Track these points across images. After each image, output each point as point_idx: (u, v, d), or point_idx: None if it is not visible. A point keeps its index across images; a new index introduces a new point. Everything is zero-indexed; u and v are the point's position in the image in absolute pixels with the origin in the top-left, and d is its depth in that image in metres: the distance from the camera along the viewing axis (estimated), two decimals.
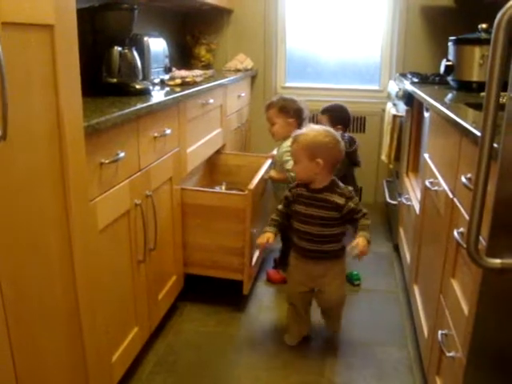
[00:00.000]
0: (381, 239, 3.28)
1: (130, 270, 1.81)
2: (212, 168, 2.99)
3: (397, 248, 3.01)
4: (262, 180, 2.52)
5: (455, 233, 1.37)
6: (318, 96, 3.87)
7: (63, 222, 1.29)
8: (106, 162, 1.54)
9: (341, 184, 2.03)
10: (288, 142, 2.48)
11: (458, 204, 1.54)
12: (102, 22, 2.03)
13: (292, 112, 2.69)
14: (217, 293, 2.55)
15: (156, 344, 2.14)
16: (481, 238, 1.17)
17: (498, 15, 0.87)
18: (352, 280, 2.68)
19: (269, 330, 2.28)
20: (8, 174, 1.07)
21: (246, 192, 2.25)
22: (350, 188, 2.03)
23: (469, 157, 1.47)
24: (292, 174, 2.50)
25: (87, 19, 1.99)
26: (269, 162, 2.78)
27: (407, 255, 2.56)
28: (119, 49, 2.05)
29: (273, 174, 2.67)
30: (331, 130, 2.07)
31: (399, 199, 2.93)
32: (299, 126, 2.63)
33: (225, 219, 2.29)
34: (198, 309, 2.42)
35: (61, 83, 1.20)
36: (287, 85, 4.00)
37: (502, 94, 1.01)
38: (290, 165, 2.50)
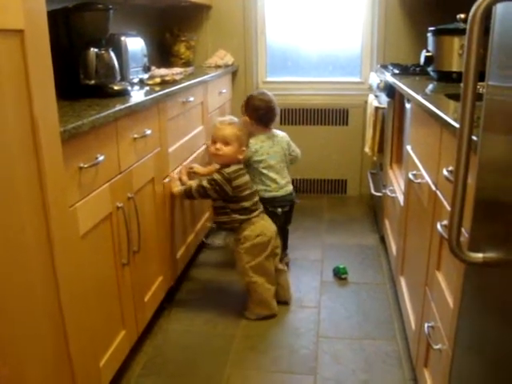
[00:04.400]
0: (367, 231, 3.28)
1: (115, 273, 1.79)
2: None
3: (383, 240, 3.01)
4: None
5: (438, 226, 1.37)
6: (299, 90, 3.87)
7: (43, 230, 1.27)
8: (85, 166, 1.52)
9: None
10: (253, 141, 2.57)
11: (440, 197, 1.54)
12: (76, 24, 1.99)
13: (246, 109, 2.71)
14: (204, 291, 2.54)
15: (144, 346, 2.13)
16: (464, 231, 1.17)
17: (473, 8, 0.86)
18: (339, 273, 2.67)
19: (256, 326, 2.27)
20: None
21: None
22: None
23: (450, 149, 1.46)
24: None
25: (61, 21, 1.96)
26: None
27: (393, 247, 2.56)
28: (96, 50, 2.01)
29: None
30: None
31: (384, 191, 2.93)
32: (260, 123, 2.64)
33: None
34: (185, 308, 2.41)
35: (34, 90, 1.18)
36: (268, 79, 3.97)
37: (480, 84, 1.01)
38: None
